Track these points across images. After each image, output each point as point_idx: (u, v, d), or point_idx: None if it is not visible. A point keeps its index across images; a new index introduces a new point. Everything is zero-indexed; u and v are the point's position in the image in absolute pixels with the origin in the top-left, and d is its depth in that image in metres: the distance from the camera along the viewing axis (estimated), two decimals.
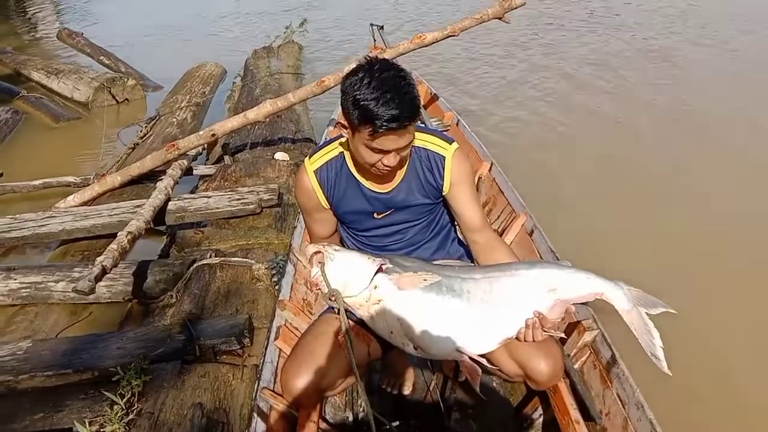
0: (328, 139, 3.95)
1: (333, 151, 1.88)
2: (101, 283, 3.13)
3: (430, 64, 7.57)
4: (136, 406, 2.52)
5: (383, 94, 1.52)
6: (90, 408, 2.56)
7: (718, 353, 2.91)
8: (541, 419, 2.26)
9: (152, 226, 3.86)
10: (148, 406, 2.53)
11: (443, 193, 1.89)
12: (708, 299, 3.20)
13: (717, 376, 2.81)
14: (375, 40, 5.21)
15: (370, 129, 1.56)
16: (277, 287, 3.10)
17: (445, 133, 1.98)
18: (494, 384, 2.47)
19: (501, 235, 2.90)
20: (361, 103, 1.54)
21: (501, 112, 6.16)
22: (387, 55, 4.23)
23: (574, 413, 1.89)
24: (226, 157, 4.99)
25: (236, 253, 3.62)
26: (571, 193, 4.44)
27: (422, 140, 1.84)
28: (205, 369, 2.73)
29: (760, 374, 2.79)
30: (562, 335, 1.76)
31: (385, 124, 1.53)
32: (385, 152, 1.62)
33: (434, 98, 4.85)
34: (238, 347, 2.85)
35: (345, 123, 1.66)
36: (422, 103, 4.43)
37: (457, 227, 2.07)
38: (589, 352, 2.21)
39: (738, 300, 3.22)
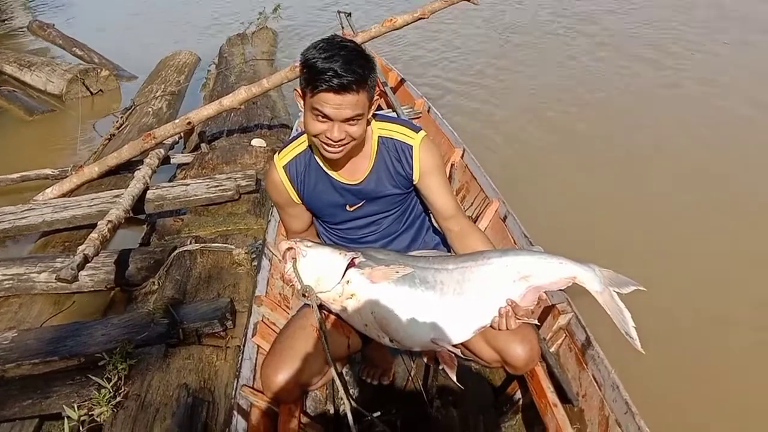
0: (299, 130, 4.01)
1: (301, 145, 1.90)
2: (84, 273, 3.18)
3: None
4: (123, 389, 2.59)
5: (331, 55, 1.55)
6: (78, 393, 2.62)
7: (691, 334, 2.97)
8: (520, 403, 2.29)
9: (132, 214, 3.90)
10: (135, 388, 2.60)
11: (414, 183, 1.90)
12: (682, 279, 3.26)
13: (692, 356, 2.86)
14: (343, 27, 5.25)
15: (311, 86, 1.58)
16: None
17: (412, 122, 1.98)
18: (473, 370, 2.49)
19: (475, 222, 2.92)
20: (309, 62, 1.57)
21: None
22: (358, 39, 4.28)
23: (552, 396, 1.92)
24: (203, 145, 5.02)
25: (216, 239, 3.68)
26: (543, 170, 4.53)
27: (389, 130, 1.86)
28: (189, 351, 2.80)
29: (736, 355, 2.85)
30: (536, 322, 1.76)
31: (325, 78, 1.54)
32: (326, 118, 1.61)
33: (405, 86, 4.85)
34: (221, 329, 2.91)
35: (301, 92, 1.68)
36: (390, 88, 4.47)
37: (431, 215, 2.09)
38: (565, 335, 2.24)
39: (710, 279, 3.27)
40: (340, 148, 1.68)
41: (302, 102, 1.68)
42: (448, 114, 5.08)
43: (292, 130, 4.42)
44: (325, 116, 1.61)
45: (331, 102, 1.58)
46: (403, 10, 5.22)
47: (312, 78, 1.57)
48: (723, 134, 4.75)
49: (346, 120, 1.62)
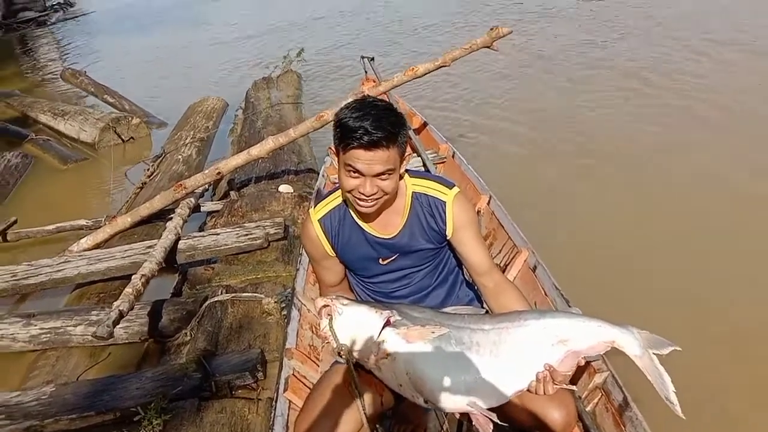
0: (325, 176, 4.11)
1: (336, 199, 1.97)
2: (118, 325, 3.24)
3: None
4: None
5: (362, 114, 1.66)
6: None
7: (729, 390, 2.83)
8: None
9: (164, 265, 3.98)
10: None
11: (447, 238, 1.93)
12: (718, 333, 3.10)
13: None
14: (366, 72, 5.36)
15: (344, 144, 1.68)
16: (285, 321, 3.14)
17: (446, 178, 2.03)
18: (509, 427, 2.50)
19: (504, 271, 2.89)
20: (342, 121, 1.68)
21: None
22: (381, 89, 4.39)
23: None
24: (232, 193, 5.12)
25: (246, 288, 3.74)
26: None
27: (423, 186, 1.93)
28: (221, 405, 2.83)
29: None
30: (575, 389, 1.73)
31: (356, 136, 1.63)
32: (359, 173, 1.69)
33: (429, 130, 4.87)
34: (253, 381, 2.95)
35: (335, 150, 1.78)
36: (412, 130, 4.49)
37: (464, 270, 2.11)
38: (601, 394, 2.19)
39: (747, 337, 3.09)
40: (373, 203, 1.76)
41: (337, 159, 1.78)
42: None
43: (318, 175, 4.50)
44: (357, 172, 1.69)
45: (363, 158, 1.67)
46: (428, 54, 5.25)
47: (344, 136, 1.68)
48: None
49: (378, 175, 1.70)
